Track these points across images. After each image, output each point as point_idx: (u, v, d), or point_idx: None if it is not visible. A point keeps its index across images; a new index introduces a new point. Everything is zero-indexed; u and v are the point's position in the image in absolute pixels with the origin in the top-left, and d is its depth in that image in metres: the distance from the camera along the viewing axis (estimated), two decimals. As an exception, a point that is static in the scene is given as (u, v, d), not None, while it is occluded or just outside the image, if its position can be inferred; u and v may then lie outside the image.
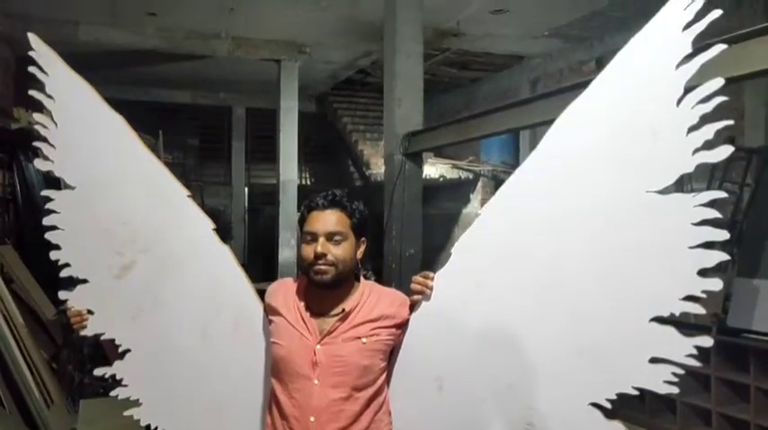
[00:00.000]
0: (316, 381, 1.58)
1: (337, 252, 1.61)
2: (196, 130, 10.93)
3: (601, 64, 7.61)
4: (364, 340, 1.60)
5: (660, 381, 1.42)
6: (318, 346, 1.60)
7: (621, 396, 1.48)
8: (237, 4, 6.49)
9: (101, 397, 4.85)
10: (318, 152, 11.54)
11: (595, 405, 1.49)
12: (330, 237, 1.61)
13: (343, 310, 1.63)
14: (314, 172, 12.26)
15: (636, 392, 1.46)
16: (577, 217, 1.49)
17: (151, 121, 10.07)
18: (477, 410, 1.62)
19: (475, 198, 8.16)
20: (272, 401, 1.68)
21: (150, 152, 1.96)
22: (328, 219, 1.62)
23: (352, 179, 11.05)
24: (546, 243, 1.53)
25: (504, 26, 7.25)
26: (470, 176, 8.10)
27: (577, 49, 7.78)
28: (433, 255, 8.00)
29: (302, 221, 1.67)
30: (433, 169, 7.97)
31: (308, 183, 11.42)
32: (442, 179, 7.84)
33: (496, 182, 8.17)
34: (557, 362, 1.53)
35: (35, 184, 6.48)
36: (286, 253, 7.58)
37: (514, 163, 8.87)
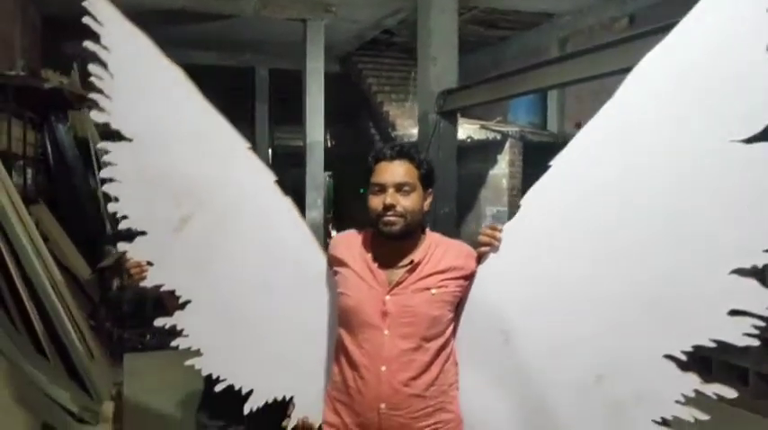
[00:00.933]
0: (386, 331, 1.59)
1: (406, 203, 1.60)
2: (219, 92, 10.85)
3: (633, 20, 7.43)
4: (433, 291, 1.60)
5: (740, 334, 1.40)
6: (388, 297, 1.60)
7: (697, 348, 1.47)
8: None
9: (139, 352, 4.98)
10: (340, 113, 11.47)
11: (670, 357, 1.48)
12: (399, 187, 1.60)
13: (412, 262, 1.63)
14: (334, 133, 12.18)
15: (713, 344, 1.45)
16: (653, 168, 1.46)
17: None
18: (544, 363, 1.61)
19: (502, 159, 8.08)
20: (339, 351, 1.69)
21: (209, 104, 1.93)
22: (396, 170, 1.61)
23: (373, 141, 10.98)
24: (620, 195, 1.50)
25: (535, -18, 7.08)
26: (498, 137, 8.00)
27: (609, 5, 7.59)
28: (461, 214, 7.97)
29: (368, 172, 1.66)
30: (461, 130, 7.88)
31: (329, 145, 11.37)
32: (469, 140, 7.75)
33: (524, 143, 8.07)
34: (629, 315, 1.51)
35: (66, 145, 6.52)
36: (314, 214, 7.59)
37: (542, 124, 8.76)
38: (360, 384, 1.60)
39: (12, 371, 3.72)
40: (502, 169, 8.22)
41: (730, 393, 1.45)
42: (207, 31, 8.54)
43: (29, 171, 5.99)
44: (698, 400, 1.48)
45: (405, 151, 1.63)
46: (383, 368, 1.58)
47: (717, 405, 1.48)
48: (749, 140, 1.36)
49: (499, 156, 8.12)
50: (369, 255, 1.66)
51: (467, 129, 7.78)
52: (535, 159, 8.13)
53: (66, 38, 9.28)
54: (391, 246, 1.65)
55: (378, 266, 1.65)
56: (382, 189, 1.61)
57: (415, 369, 1.58)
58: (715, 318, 1.42)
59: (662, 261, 1.45)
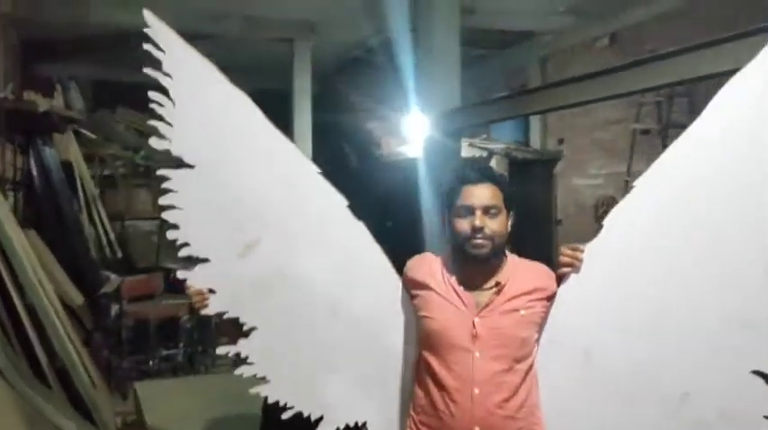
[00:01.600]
0: (477, 354, 1.59)
1: (494, 225, 1.61)
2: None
3: (615, 40, 7.63)
4: (522, 312, 1.62)
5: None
6: (477, 319, 1.61)
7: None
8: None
9: (142, 379, 4.88)
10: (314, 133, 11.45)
11: (758, 373, 1.52)
12: (486, 210, 1.62)
13: (498, 283, 1.64)
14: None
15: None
16: (741, 190, 1.51)
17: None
18: (628, 382, 1.64)
19: (488, 176, 8.18)
20: (424, 374, 1.69)
21: (276, 128, 1.92)
22: (483, 193, 1.63)
23: (347, 160, 10.97)
24: (706, 217, 1.55)
25: (519, 3, 7.22)
26: (484, 154, 8.09)
27: (591, 24, 7.78)
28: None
29: (453, 195, 1.67)
30: (447, 148, 7.95)
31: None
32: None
33: (509, 159, 8.17)
34: (717, 334, 1.55)
35: (52, 168, 6.36)
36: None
37: (525, 141, 8.89)
38: (452, 407, 1.60)
39: (18, 400, 3.60)
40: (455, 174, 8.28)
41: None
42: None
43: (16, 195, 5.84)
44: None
45: (489, 174, 1.66)
46: (476, 390, 1.58)
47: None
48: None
49: (485, 174, 8.21)
50: (453, 278, 1.67)
51: (453, 147, 7.85)
52: (520, 175, 8.25)
53: (42, 60, 9.13)
54: (476, 268, 1.66)
55: (463, 289, 1.65)
56: (470, 212, 1.62)
57: (507, 390, 1.59)
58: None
59: (753, 280, 1.49)
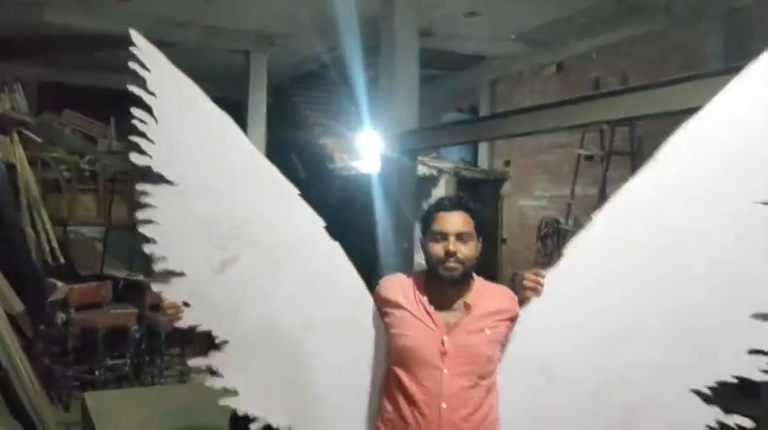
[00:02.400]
0: (445, 370, 1.70)
1: (465, 250, 1.73)
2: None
3: (561, 68, 7.97)
4: (488, 331, 1.74)
5: (757, 370, 1.63)
6: (446, 338, 1.72)
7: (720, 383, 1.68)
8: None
9: (77, 390, 4.79)
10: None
11: (697, 392, 1.69)
12: (459, 236, 1.74)
13: (466, 304, 1.76)
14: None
15: (734, 380, 1.66)
16: (689, 221, 1.68)
17: (104, 108, 9.76)
18: (585, 400, 1.78)
19: (437, 194, 8.35)
20: (393, 388, 1.78)
21: (257, 150, 1.99)
22: (456, 220, 1.75)
23: (295, 170, 10.99)
24: (656, 248, 1.71)
25: (473, 28, 7.47)
26: (434, 173, 8.29)
27: (540, 52, 8.10)
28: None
29: (428, 220, 1.78)
30: (398, 165, 8.11)
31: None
32: (406, 175, 7.99)
33: (458, 178, 8.40)
34: (664, 354, 1.71)
35: (-5, 176, 6.18)
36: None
37: (473, 160, 9.15)
38: (420, 420, 1.70)
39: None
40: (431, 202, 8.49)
41: (749, 424, 1.66)
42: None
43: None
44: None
45: (463, 203, 1.78)
46: (443, 405, 1.69)
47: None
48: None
49: (434, 191, 8.38)
50: (424, 298, 1.78)
51: (404, 165, 8.02)
52: (468, 194, 8.47)
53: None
54: (446, 289, 1.77)
55: (433, 309, 1.76)
56: (444, 237, 1.74)
57: (472, 405, 1.71)
58: (738, 356, 1.64)
59: (700, 305, 1.66)
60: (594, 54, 7.48)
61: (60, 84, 9.73)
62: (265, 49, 7.78)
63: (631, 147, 6.85)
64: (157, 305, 5.26)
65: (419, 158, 8.38)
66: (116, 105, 9.99)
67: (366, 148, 7.94)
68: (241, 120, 7.93)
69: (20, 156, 6.93)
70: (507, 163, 8.86)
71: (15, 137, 6.95)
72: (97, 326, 4.98)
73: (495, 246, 8.73)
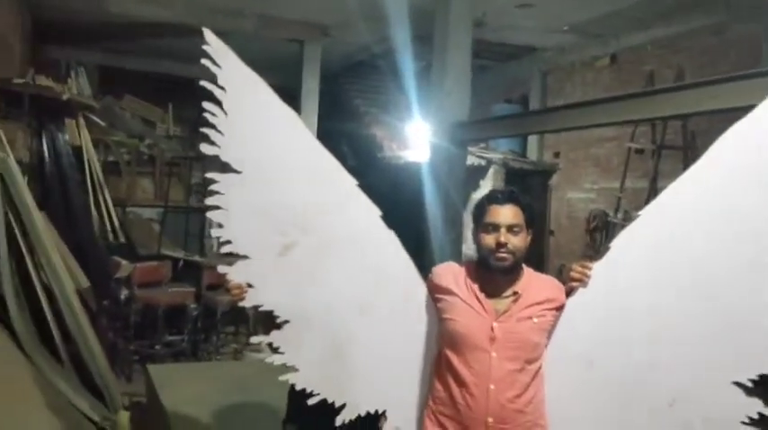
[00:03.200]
0: (494, 354, 1.81)
1: (515, 242, 1.83)
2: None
3: (615, 60, 7.89)
4: (535, 319, 1.84)
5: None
6: (495, 324, 1.83)
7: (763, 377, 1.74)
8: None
9: (137, 363, 5.06)
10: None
11: (737, 384, 1.75)
12: (510, 228, 1.83)
13: (515, 293, 1.86)
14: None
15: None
16: (729, 218, 1.74)
17: (162, 93, 10.10)
18: (624, 388, 1.86)
19: (485, 185, 8.38)
20: (444, 370, 1.90)
21: (320, 143, 2.12)
22: (507, 213, 1.84)
23: (345, 158, 11.17)
24: (700, 245, 1.77)
25: (526, 19, 7.45)
26: (482, 163, 8.32)
27: (592, 44, 8.04)
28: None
29: (481, 212, 1.89)
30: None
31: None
32: (455, 165, 8.05)
33: (507, 169, 8.41)
34: (704, 347, 1.78)
35: (63, 153, 6.51)
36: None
37: (522, 151, 9.14)
38: (469, 400, 1.82)
39: (37, 376, 3.78)
40: (484, 194, 8.53)
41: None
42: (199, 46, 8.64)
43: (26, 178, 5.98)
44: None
45: (514, 196, 1.88)
46: (492, 386, 1.80)
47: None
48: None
49: (482, 181, 8.41)
50: (476, 286, 1.89)
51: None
52: (516, 185, 8.50)
53: (51, 43, 9.25)
54: (497, 278, 1.88)
55: (485, 296, 1.87)
56: (495, 228, 1.84)
57: (518, 388, 1.81)
58: (779, 351, 1.70)
59: (737, 299, 1.72)
60: (650, 47, 7.39)
61: (120, 69, 10.10)
62: (319, 39, 7.94)
63: (684, 141, 6.77)
64: (214, 285, 5.57)
65: (468, 149, 8.46)
66: (173, 91, 10.38)
67: (415, 138, 8.03)
68: (294, 108, 8.11)
69: (85, 140, 7.29)
70: (556, 154, 8.83)
71: (81, 120, 7.30)
72: (158, 304, 5.24)
73: (543, 237, 8.74)
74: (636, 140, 7.31)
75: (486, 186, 8.49)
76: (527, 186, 8.74)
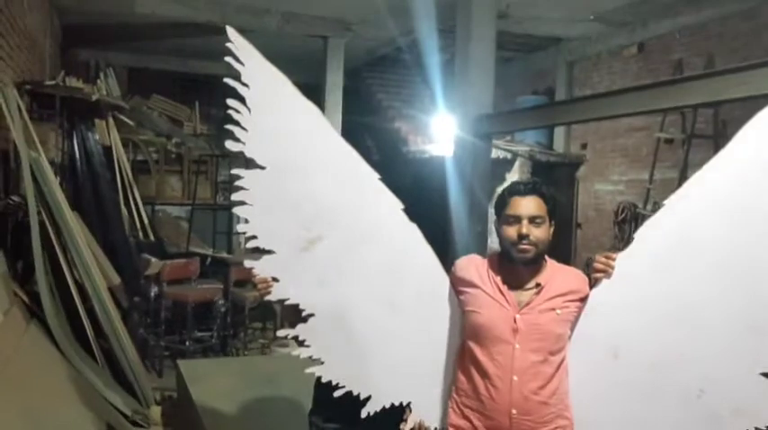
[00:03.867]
0: (517, 346, 1.81)
1: (538, 233, 1.83)
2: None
3: (642, 49, 7.77)
4: (558, 311, 1.83)
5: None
6: (518, 316, 1.83)
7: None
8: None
9: (168, 359, 5.15)
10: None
11: (765, 374, 1.72)
12: (532, 220, 1.83)
13: (538, 284, 1.86)
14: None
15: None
16: (760, 207, 1.71)
17: (188, 92, 10.24)
18: (651, 377, 1.85)
19: (511, 178, 8.34)
20: (467, 362, 1.90)
21: (342, 139, 2.13)
22: (530, 205, 1.84)
23: (369, 153, 11.18)
24: (724, 234, 1.75)
25: (550, 9, 7.38)
26: (508, 156, 8.28)
27: (619, 33, 7.92)
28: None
29: (502, 204, 1.88)
30: (472, 148, 8.14)
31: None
32: (480, 158, 8.02)
33: (533, 162, 8.35)
34: (731, 337, 1.75)
35: (94, 153, 6.64)
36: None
37: (548, 144, 9.06)
38: (492, 392, 1.82)
39: (72, 372, 3.87)
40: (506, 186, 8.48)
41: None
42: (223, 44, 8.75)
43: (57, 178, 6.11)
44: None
45: (536, 187, 1.87)
46: (515, 378, 1.80)
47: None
48: None
49: (507, 174, 8.37)
50: (498, 278, 1.89)
51: (478, 148, 8.05)
52: (543, 178, 8.44)
53: (79, 45, 9.42)
54: (519, 270, 1.87)
55: (507, 288, 1.87)
56: (517, 220, 1.84)
57: (542, 379, 1.81)
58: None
59: (760, 286, 1.69)
60: (678, 34, 7.25)
61: (147, 69, 10.25)
62: (342, 35, 7.96)
63: (714, 130, 6.64)
64: (242, 281, 5.64)
65: (493, 141, 8.41)
66: (200, 90, 10.49)
67: (440, 131, 8.01)
68: (318, 103, 8.15)
69: (114, 139, 7.41)
70: (584, 146, 8.73)
71: (110, 121, 7.43)
72: (187, 300, 5.32)
73: (570, 230, 8.65)
74: (665, 130, 7.19)
75: (512, 179, 8.46)
76: (554, 178, 8.67)
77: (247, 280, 5.29)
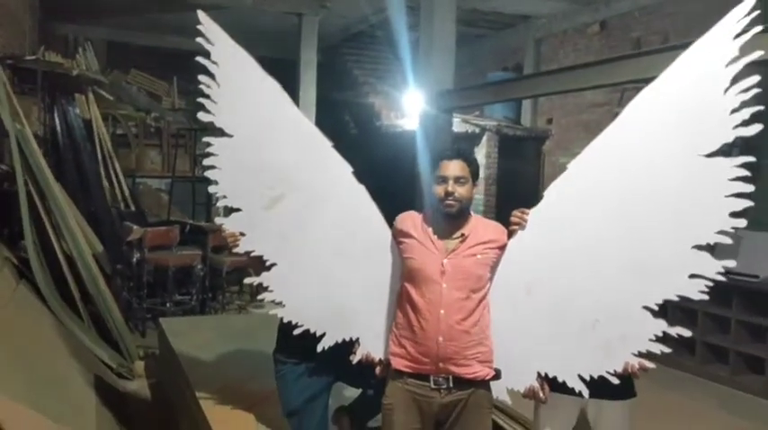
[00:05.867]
0: (444, 285, 2.16)
1: (462, 191, 2.17)
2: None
3: (605, 27, 8.10)
4: (479, 256, 2.18)
5: (696, 291, 2.02)
6: (445, 260, 2.17)
7: (666, 302, 2.08)
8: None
9: (150, 321, 5.47)
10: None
11: (647, 308, 2.09)
12: (457, 179, 2.17)
13: (463, 235, 2.21)
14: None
15: (677, 299, 2.06)
16: (646, 169, 2.06)
17: (167, 67, 10.40)
18: (558, 309, 2.21)
19: (479, 151, 8.69)
20: (404, 300, 2.25)
21: (298, 110, 2.46)
22: (455, 167, 2.18)
23: (347, 127, 11.47)
24: (619, 187, 2.10)
25: (517, -13, 7.68)
26: (477, 131, 8.61)
27: (583, 11, 8.25)
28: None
29: (434, 167, 2.22)
30: (442, 122, 8.46)
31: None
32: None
33: (500, 136, 8.70)
34: (620, 276, 2.12)
35: (75, 126, 6.86)
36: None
37: (516, 118, 9.41)
38: (423, 323, 2.17)
39: (64, 331, 4.18)
40: (479, 160, 8.82)
41: (687, 333, 2.07)
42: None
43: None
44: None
45: (461, 153, 2.21)
46: (442, 312, 2.15)
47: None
48: (709, 155, 1.98)
49: (476, 148, 8.72)
50: (429, 229, 2.23)
51: (448, 122, 8.37)
52: (510, 151, 8.80)
53: (57, 19, 9.54)
54: (447, 222, 2.22)
55: (437, 238, 2.21)
56: (444, 180, 2.18)
57: (465, 312, 2.16)
58: (680, 280, 2.04)
59: (650, 234, 2.06)
60: (637, 13, 7.60)
61: (126, 44, 10.39)
62: (316, 12, 8.19)
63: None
64: (219, 247, 5.95)
65: (463, 116, 8.73)
66: (178, 65, 10.69)
67: (410, 106, 8.32)
68: (293, 79, 8.40)
69: (94, 113, 7.62)
70: (549, 121, 9.09)
71: (90, 95, 7.63)
72: (167, 265, 5.63)
73: (537, 201, 9.03)
74: (623, 105, 7.53)
75: (480, 152, 8.80)
76: (521, 152, 9.04)
77: (224, 246, 5.63)
